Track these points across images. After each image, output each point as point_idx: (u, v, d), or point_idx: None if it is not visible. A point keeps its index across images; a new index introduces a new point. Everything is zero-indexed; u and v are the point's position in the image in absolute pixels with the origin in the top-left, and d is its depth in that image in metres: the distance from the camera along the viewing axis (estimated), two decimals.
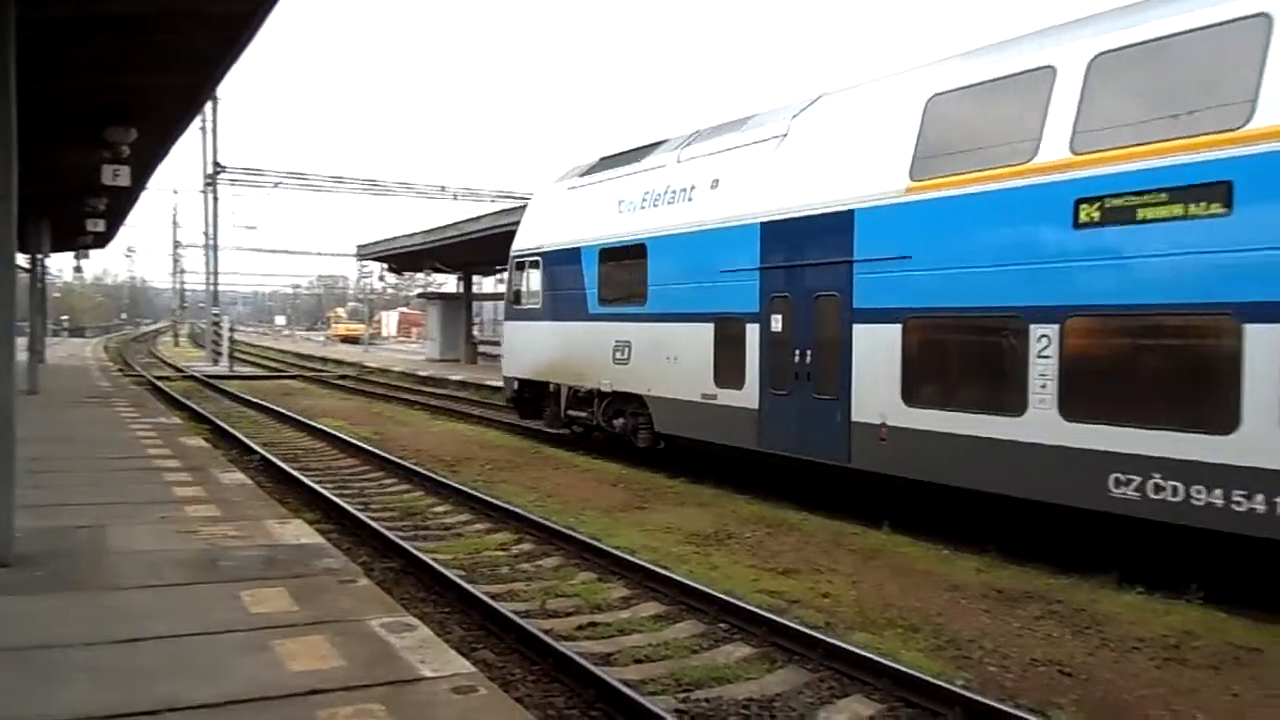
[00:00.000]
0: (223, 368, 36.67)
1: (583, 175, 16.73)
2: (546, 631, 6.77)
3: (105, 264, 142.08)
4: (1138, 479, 7.97)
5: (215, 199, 38.81)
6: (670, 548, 9.55)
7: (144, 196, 21.88)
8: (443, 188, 43.01)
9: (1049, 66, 8.95)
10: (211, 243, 39.72)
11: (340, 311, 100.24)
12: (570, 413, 16.55)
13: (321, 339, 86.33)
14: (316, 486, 12.04)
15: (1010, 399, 9.00)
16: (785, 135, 12.16)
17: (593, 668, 6.01)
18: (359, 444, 16.19)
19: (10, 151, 6.18)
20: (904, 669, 6.04)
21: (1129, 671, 6.37)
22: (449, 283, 45.95)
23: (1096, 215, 8.33)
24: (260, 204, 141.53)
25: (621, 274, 14.92)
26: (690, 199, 13.45)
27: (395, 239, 39.34)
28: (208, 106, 35.21)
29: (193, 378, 32.40)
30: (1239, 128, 7.44)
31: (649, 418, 14.31)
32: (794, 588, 8.21)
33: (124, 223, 26.64)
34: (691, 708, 5.72)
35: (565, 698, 5.89)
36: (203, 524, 7.33)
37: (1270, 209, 7.27)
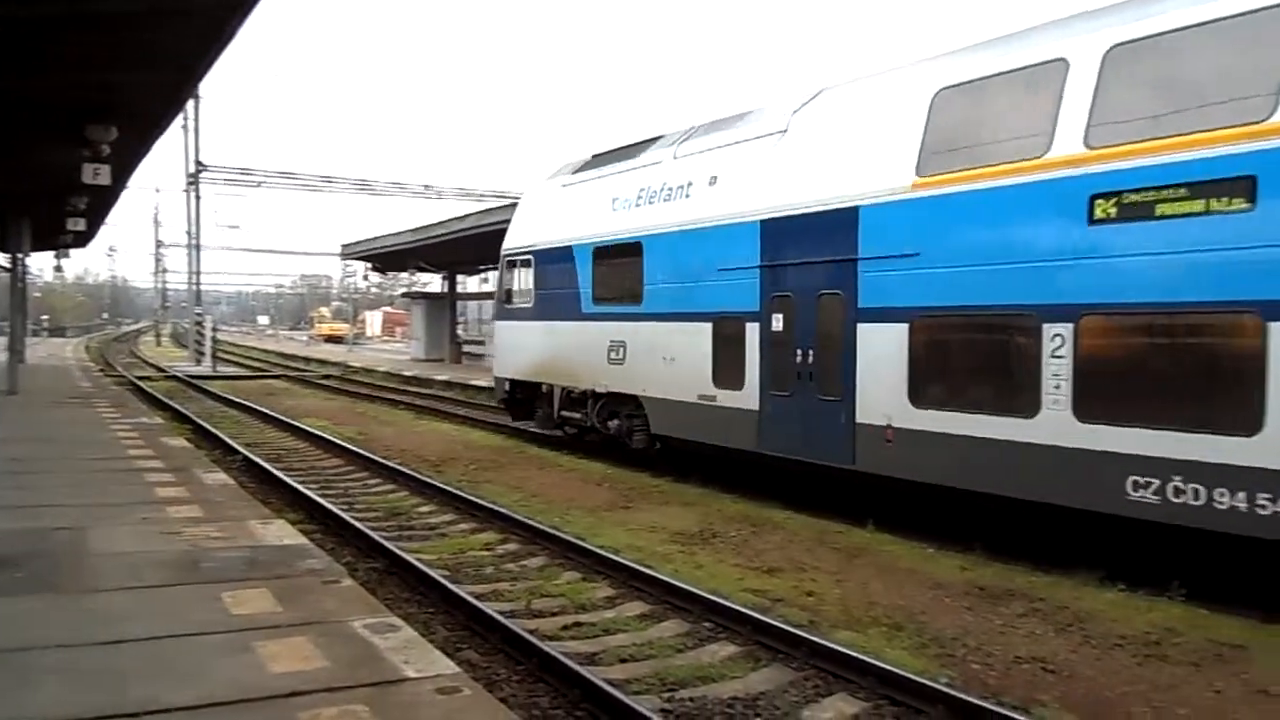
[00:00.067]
0: (205, 368, 36.44)
1: (576, 172, 16.48)
2: (531, 631, 6.76)
3: (86, 263, 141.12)
4: (1157, 482, 7.79)
5: (198, 198, 38.61)
6: (655, 547, 9.55)
7: (125, 195, 21.79)
8: (427, 186, 42.89)
9: (1061, 59, 8.76)
10: (194, 242, 39.51)
11: (324, 311, 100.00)
12: (563, 414, 16.33)
13: (305, 339, 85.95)
14: (300, 487, 11.98)
15: (1022, 400, 8.81)
16: (785, 131, 11.97)
17: (577, 667, 6.00)
18: (343, 444, 16.12)
19: None
20: (888, 667, 6.06)
21: (1111, 669, 6.41)
22: (434, 282, 45.79)
23: (1113, 211, 8.16)
24: (244, 203, 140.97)
25: (616, 273, 14.69)
26: (687, 196, 13.25)
27: (380, 238, 39.20)
28: (190, 105, 35.02)
29: (175, 378, 32.20)
30: (1263, 121, 7.27)
31: (645, 419, 14.10)
32: (778, 586, 8.23)
33: (105, 222, 26.47)
34: (676, 707, 5.72)
35: (550, 698, 5.88)
36: (185, 525, 7.28)
37: None
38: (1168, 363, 8.09)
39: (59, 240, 27.79)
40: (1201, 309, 7.70)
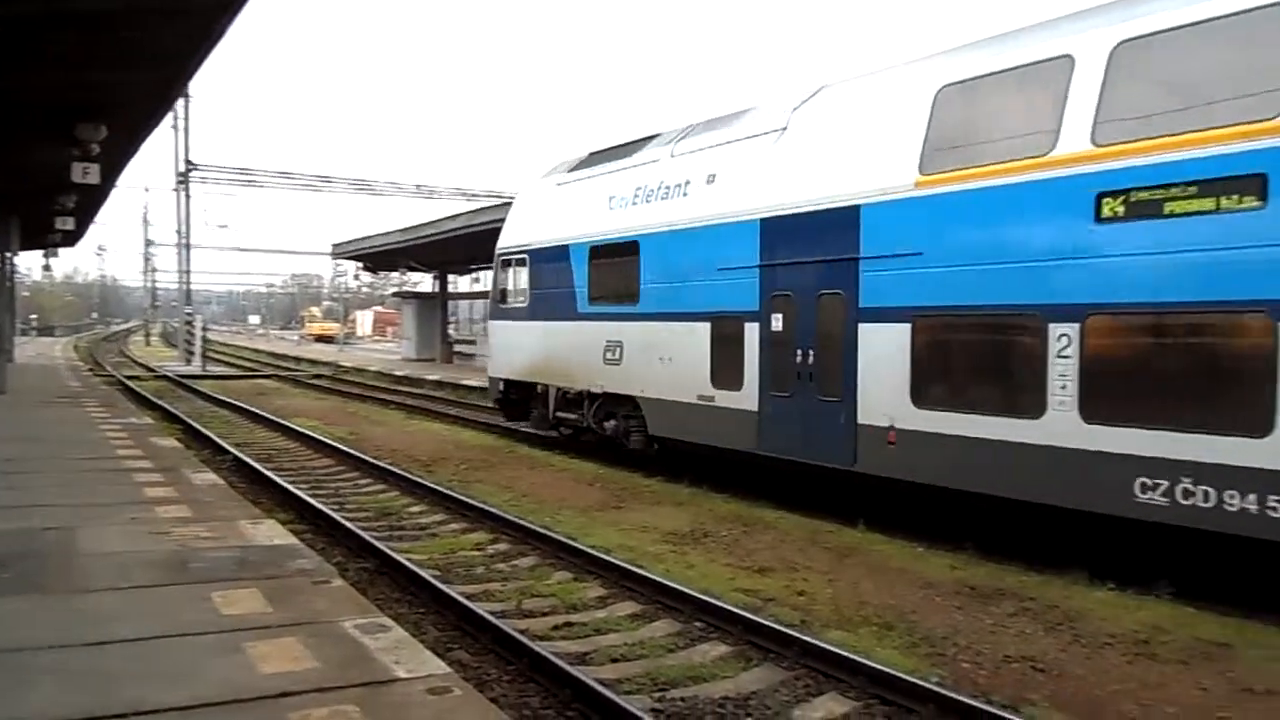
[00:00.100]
0: (195, 367, 36.31)
1: (571, 171, 16.31)
2: (522, 631, 6.75)
3: (75, 262, 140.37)
4: (1165, 483, 7.69)
5: (187, 197, 38.38)
6: (647, 547, 9.55)
7: (115, 194, 21.69)
8: (419, 186, 42.73)
9: (1067, 55, 8.67)
10: (184, 241, 39.32)
11: (315, 310, 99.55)
12: (559, 415, 16.17)
13: (296, 338, 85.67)
14: (290, 487, 11.95)
15: (1028, 400, 8.71)
16: (785, 129, 11.85)
17: (568, 667, 6.00)
18: (334, 444, 16.08)
19: None
20: (878, 667, 6.07)
21: (1100, 667, 6.43)
22: (425, 282, 45.68)
23: (1121, 209, 8.05)
24: (235, 202, 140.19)
25: (613, 272, 14.53)
26: (685, 194, 13.11)
27: (371, 238, 39.12)
28: (179, 104, 34.85)
29: (165, 377, 32.08)
30: (1275, 118, 7.19)
31: (642, 420, 13.95)
32: (770, 586, 8.24)
33: (94, 221, 26.39)
34: (667, 707, 5.72)
35: (541, 698, 5.88)
36: (174, 525, 7.25)
37: None
38: (1176, 363, 7.99)
39: (48, 239, 27.67)
40: (1210, 309, 7.61)
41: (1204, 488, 7.48)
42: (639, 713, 5.35)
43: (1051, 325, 8.52)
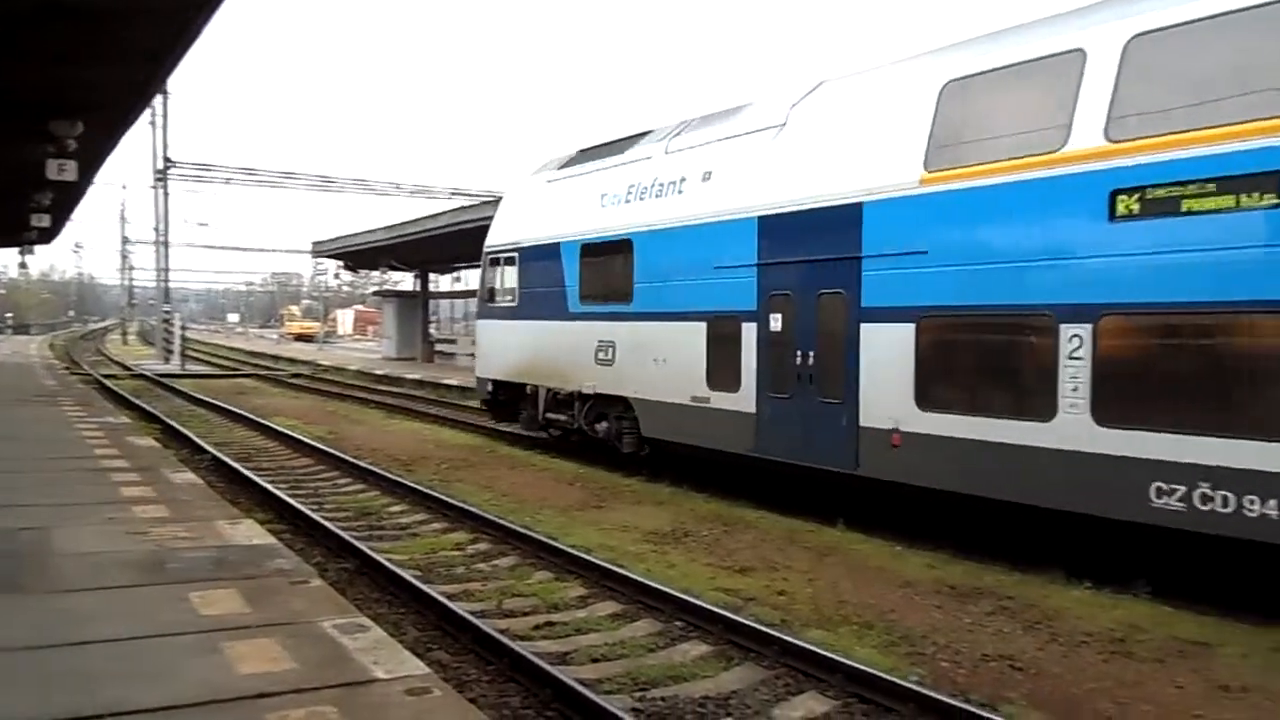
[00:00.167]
0: (174, 366, 36.03)
1: (562, 168, 16.06)
2: (503, 631, 6.75)
3: (52, 260, 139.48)
4: (1183, 489, 7.47)
5: (165, 194, 38.16)
6: (627, 546, 9.55)
7: (92, 191, 21.53)
8: (398, 185, 42.55)
9: (1078, 50, 8.47)
10: (162, 239, 39.06)
11: (294, 309, 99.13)
12: (549, 416, 15.86)
13: (276, 337, 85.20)
14: (269, 486, 11.89)
15: (1038, 403, 8.49)
16: (784, 125, 11.62)
17: (548, 667, 6.00)
18: (313, 443, 16.00)
19: None
20: (858, 665, 6.10)
21: (1077, 665, 6.49)
22: (406, 281, 45.51)
23: (1136, 207, 7.85)
24: (213, 200, 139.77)
25: (605, 271, 14.24)
26: (680, 192, 12.85)
27: (352, 236, 38.90)
28: (157, 100, 34.59)
29: (143, 376, 31.81)
30: None
31: (634, 421, 13.66)
32: (750, 585, 8.26)
33: (71, 218, 26.17)
34: (648, 706, 5.74)
35: (521, 698, 5.87)
36: (151, 525, 7.19)
37: None
38: (1192, 365, 7.77)
39: (23, 236, 27.43)
40: (1228, 309, 7.43)
41: (1223, 493, 7.29)
42: (619, 712, 5.36)
43: (1063, 326, 8.31)
